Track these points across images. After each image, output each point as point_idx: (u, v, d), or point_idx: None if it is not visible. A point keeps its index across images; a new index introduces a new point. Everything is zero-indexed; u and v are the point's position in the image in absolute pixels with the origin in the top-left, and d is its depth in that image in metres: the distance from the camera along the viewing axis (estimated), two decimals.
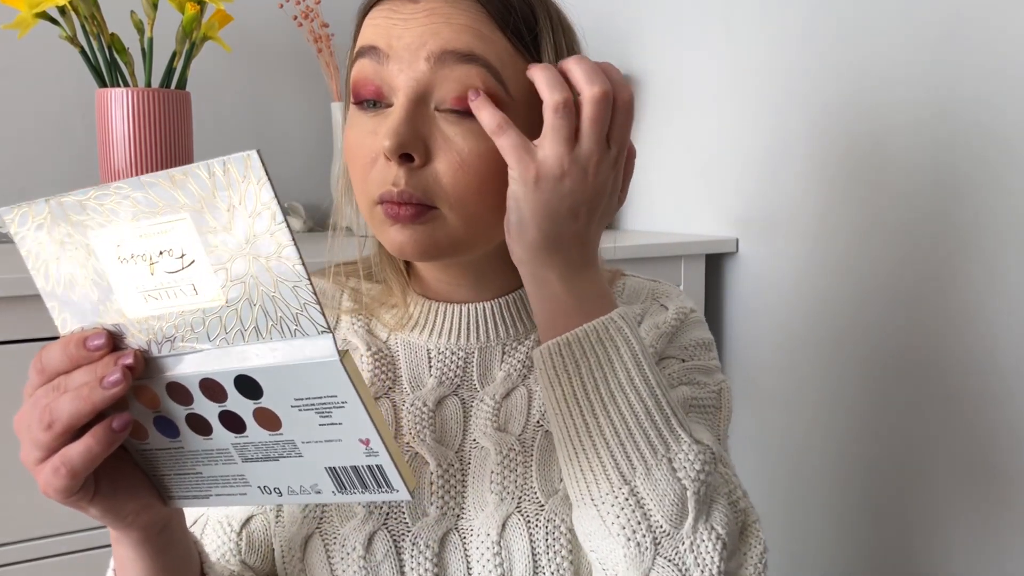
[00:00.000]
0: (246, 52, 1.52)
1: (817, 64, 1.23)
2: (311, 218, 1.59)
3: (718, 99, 1.38)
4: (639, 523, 0.56)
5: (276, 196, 0.43)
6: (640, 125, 1.53)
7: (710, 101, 1.40)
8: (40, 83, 1.38)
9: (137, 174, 1.14)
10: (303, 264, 0.43)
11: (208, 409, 0.49)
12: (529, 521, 0.62)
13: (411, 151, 0.57)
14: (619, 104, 0.57)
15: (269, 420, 0.49)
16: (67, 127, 1.40)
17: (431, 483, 0.64)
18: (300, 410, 0.48)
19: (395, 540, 0.63)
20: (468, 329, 0.68)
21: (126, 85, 1.17)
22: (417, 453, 0.65)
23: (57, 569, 0.97)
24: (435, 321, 0.69)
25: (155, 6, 1.16)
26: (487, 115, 0.56)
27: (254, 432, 0.50)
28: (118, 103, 1.14)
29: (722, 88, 1.37)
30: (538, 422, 0.66)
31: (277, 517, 0.66)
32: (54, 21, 1.14)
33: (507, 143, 0.56)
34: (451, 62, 0.57)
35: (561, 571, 0.62)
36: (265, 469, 0.51)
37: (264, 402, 0.48)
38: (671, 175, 1.48)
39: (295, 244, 0.43)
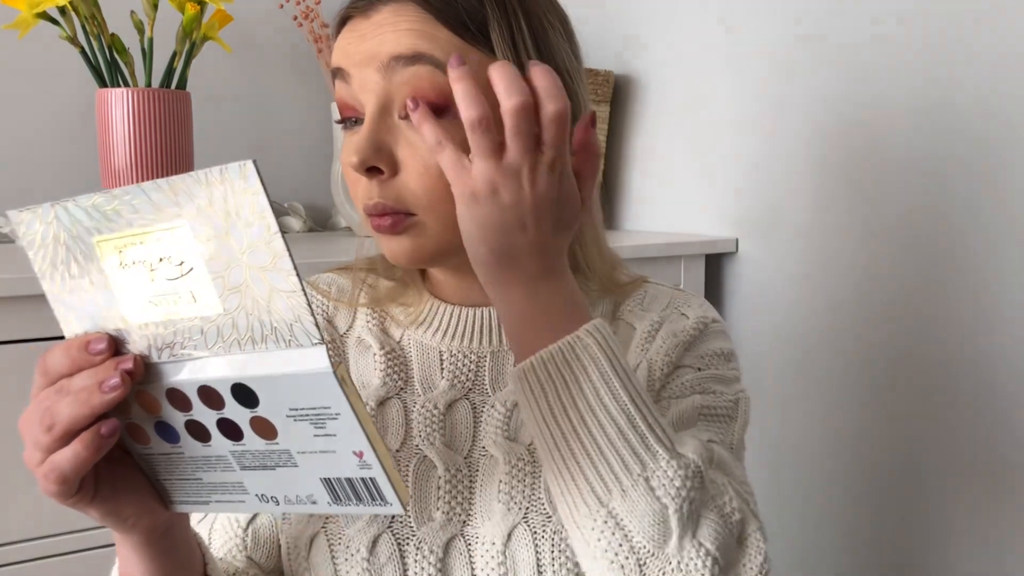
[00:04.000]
0: (246, 52, 1.52)
1: (817, 64, 1.23)
2: (311, 218, 1.59)
3: (718, 99, 1.38)
4: (620, 545, 0.54)
5: (271, 206, 0.43)
6: (641, 125, 1.53)
7: (710, 101, 1.40)
8: (40, 83, 1.38)
9: (137, 174, 1.14)
10: (298, 275, 0.44)
11: (207, 416, 0.49)
12: (535, 532, 0.62)
13: (376, 164, 0.59)
14: (545, 116, 0.55)
15: (265, 429, 0.49)
16: (67, 127, 1.40)
17: (438, 487, 0.64)
18: (295, 420, 0.48)
19: (399, 544, 0.63)
20: (481, 332, 0.68)
21: (126, 85, 1.17)
22: (426, 456, 0.65)
23: (57, 569, 0.97)
24: (448, 323, 0.69)
25: (155, 6, 1.16)
26: (427, 131, 0.56)
27: (251, 440, 0.50)
28: (118, 103, 1.14)
29: (722, 88, 1.37)
30: None
31: (284, 515, 0.66)
32: (54, 21, 1.14)
33: (444, 161, 0.56)
34: (399, 67, 0.58)
35: None
36: (262, 478, 0.51)
37: (260, 411, 0.48)
38: (671, 175, 1.48)
39: (290, 255, 0.43)
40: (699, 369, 0.68)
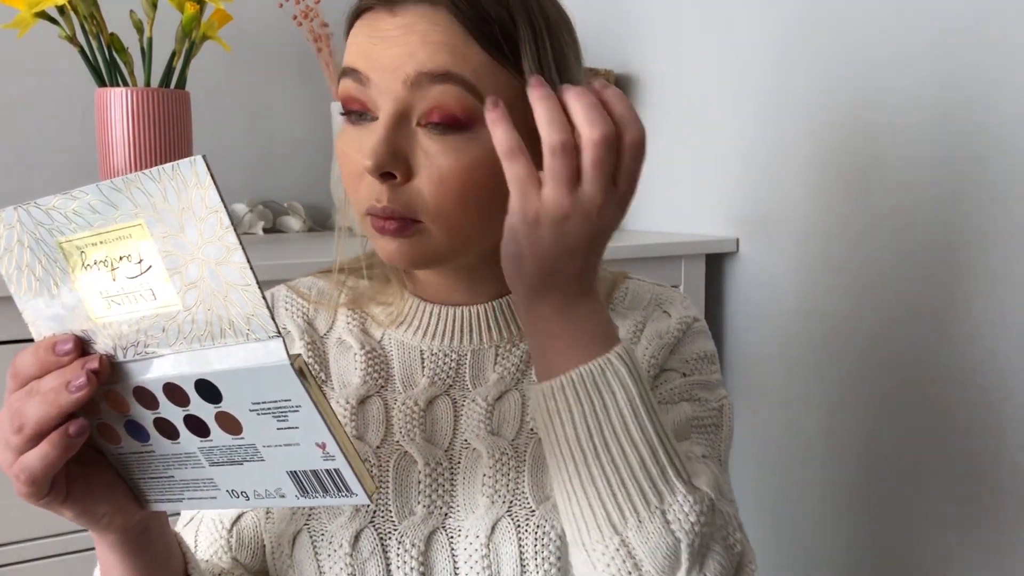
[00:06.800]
0: (246, 52, 1.52)
1: (817, 64, 1.23)
2: (311, 218, 1.59)
3: (718, 99, 1.38)
4: (629, 573, 0.55)
5: (223, 200, 0.43)
6: None
7: (710, 101, 1.40)
8: (40, 83, 1.38)
9: None
10: (251, 268, 0.44)
11: (173, 413, 0.50)
12: (519, 526, 0.62)
13: (391, 169, 0.58)
14: (625, 145, 0.54)
15: (230, 424, 0.49)
16: (67, 127, 1.40)
17: (419, 482, 0.64)
18: (258, 414, 0.48)
19: (381, 538, 0.63)
20: (462, 332, 0.69)
21: (125, 85, 1.17)
22: (406, 452, 0.65)
23: (57, 569, 0.97)
24: (429, 322, 0.69)
25: (155, 6, 1.16)
26: (502, 134, 0.55)
27: (218, 436, 0.50)
28: (117, 103, 1.13)
29: (722, 88, 1.37)
30: (532, 429, 0.66)
31: (267, 514, 0.67)
32: (53, 21, 1.14)
33: (514, 173, 0.55)
34: (426, 83, 0.57)
35: None
36: (231, 473, 0.52)
37: (224, 406, 0.48)
38: (671, 175, 1.48)
39: (242, 248, 0.44)
40: (685, 374, 0.69)
